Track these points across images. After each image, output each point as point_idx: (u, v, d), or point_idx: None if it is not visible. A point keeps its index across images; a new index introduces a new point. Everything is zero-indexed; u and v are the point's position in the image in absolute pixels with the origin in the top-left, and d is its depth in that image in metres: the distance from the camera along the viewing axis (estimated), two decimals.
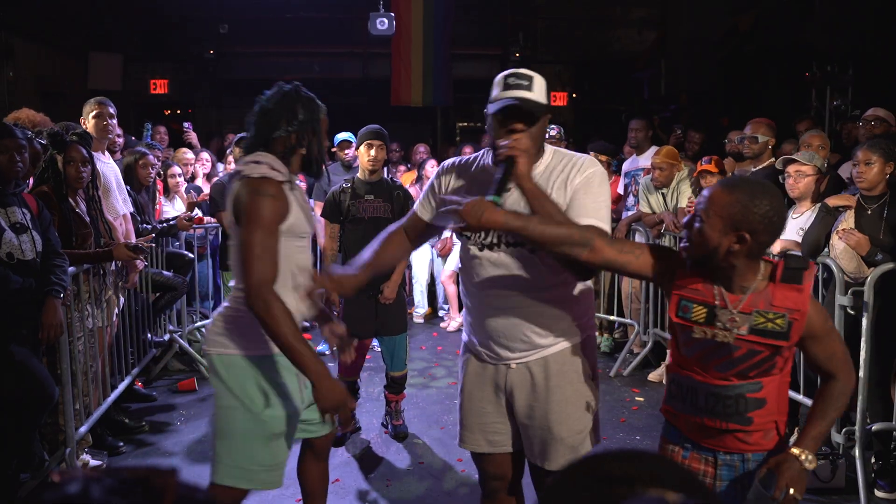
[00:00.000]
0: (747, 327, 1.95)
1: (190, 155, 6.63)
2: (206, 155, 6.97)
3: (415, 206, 2.55)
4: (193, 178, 6.63)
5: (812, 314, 1.95)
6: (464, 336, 2.53)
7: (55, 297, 3.32)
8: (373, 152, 4.26)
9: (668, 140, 7.10)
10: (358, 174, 4.37)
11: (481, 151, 2.45)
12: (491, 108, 2.21)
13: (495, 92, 2.23)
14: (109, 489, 0.70)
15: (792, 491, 1.92)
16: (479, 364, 2.46)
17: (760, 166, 4.75)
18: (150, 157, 5.27)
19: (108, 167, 4.55)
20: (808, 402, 3.93)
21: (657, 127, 8.21)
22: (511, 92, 2.18)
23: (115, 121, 4.55)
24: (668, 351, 2.16)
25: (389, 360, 4.45)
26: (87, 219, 3.95)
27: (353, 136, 6.23)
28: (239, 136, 5.32)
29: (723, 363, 2.00)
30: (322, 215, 4.46)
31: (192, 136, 7.31)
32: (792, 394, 4.14)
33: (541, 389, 2.35)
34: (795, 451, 1.97)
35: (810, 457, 1.96)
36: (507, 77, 2.23)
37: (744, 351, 1.96)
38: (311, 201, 7.57)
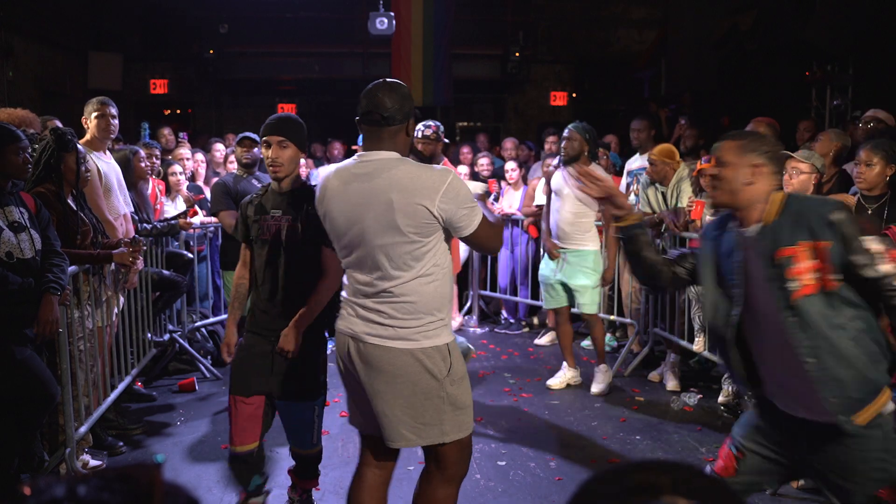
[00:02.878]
0: None
1: (188, 153, 6.63)
2: (200, 156, 6.93)
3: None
4: (195, 177, 6.63)
5: None
6: (450, 336, 2.57)
7: (52, 294, 3.32)
8: (270, 153, 3.11)
9: (670, 134, 7.11)
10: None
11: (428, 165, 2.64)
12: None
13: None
14: (96, 488, 0.70)
15: None
16: None
17: None
18: (141, 152, 5.28)
19: (110, 167, 4.55)
20: None
21: (664, 121, 8.21)
22: None
23: (116, 121, 4.55)
24: None
25: (291, 432, 3.28)
26: (84, 216, 3.95)
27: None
28: (240, 136, 5.30)
29: None
30: (234, 232, 3.55)
31: (186, 147, 7.32)
32: None
33: None
34: None
35: None
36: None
37: None
38: None
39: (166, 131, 7.48)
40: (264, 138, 3.12)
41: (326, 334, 3.22)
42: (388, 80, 2.57)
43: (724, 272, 2.46)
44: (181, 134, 7.54)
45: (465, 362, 2.65)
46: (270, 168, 3.11)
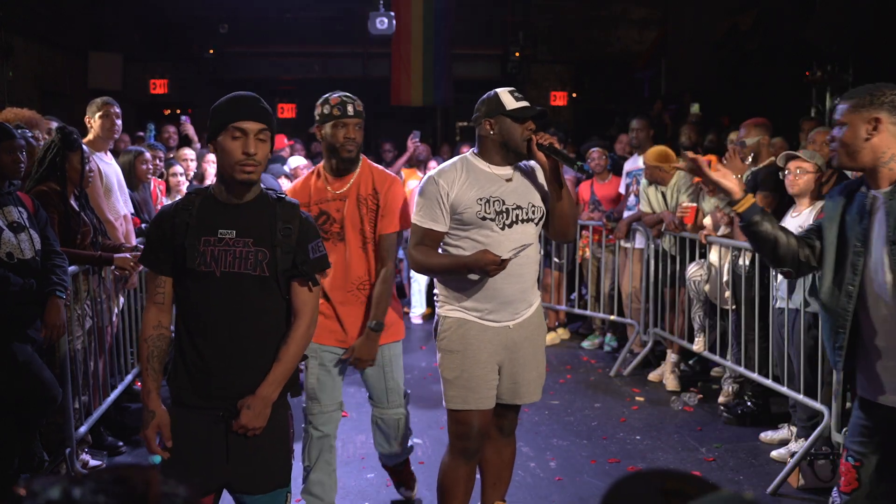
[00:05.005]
0: None
1: (191, 153, 6.62)
2: (211, 156, 6.87)
3: (427, 223, 2.85)
4: (203, 178, 6.54)
5: None
6: (451, 312, 2.88)
7: (58, 297, 3.32)
8: (243, 146, 2.20)
9: (674, 134, 7.10)
10: (212, 184, 2.39)
11: (458, 157, 2.98)
12: (525, 112, 2.81)
13: (511, 101, 2.84)
14: (92, 490, 0.70)
15: None
16: (481, 330, 2.85)
17: (762, 164, 4.74)
18: (147, 154, 5.28)
19: (111, 168, 4.56)
20: (793, 394, 3.97)
21: (669, 122, 8.21)
22: (526, 102, 2.86)
23: (120, 121, 4.57)
24: None
25: None
26: (85, 216, 3.95)
27: None
28: None
29: None
30: (141, 259, 2.45)
31: (190, 129, 7.31)
32: (777, 386, 4.16)
33: (536, 338, 2.97)
34: None
35: None
36: (513, 91, 2.89)
37: None
38: None
39: (171, 129, 7.48)
40: (236, 124, 2.19)
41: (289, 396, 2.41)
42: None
43: (848, 238, 2.30)
44: (183, 117, 7.53)
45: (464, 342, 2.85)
46: (242, 167, 2.20)
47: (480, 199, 2.81)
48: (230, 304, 2.24)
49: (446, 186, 2.83)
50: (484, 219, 2.80)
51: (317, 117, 3.13)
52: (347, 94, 3.15)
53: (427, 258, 2.86)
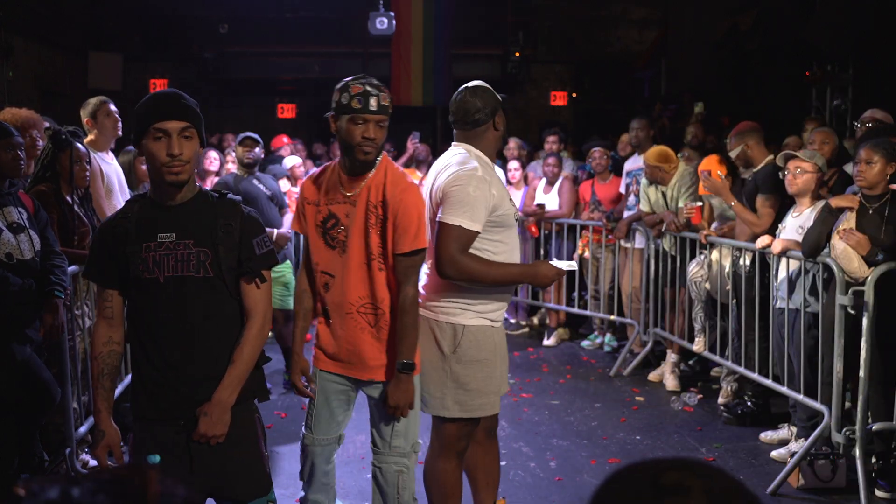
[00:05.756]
0: None
1: None
2: (213, 153, 6.84)
3: (475, 226, 2.62)
4: (205, 175, 6.52)
5: None
6: (472, 321, 2.74)
7: (58, 297, 3.32)
8: (166, 146, 2.14)
9: (673, 134, 7.10)
10: (148, 187, 2.34)
11: (465, 154, 2.77)
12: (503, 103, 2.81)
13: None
14: (90, 490, 0.70)
15: None
16: (498, 333, 2.84)
17: (761, 165, 4.73)
18: None
19: (112, 167, 4.56)
20: (793, 394, 3.97)
21: (668, 123, 8.21)
22: None
23: (121, 122, 4.59)
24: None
25: None
26: (85, 217, 3.95)
27: None
28: (242, 136, 5.29)
29: None
30: (86, 273, 2.54)
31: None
32: (777, 386, 4.16)
33: None
34: None
35: None
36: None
37: None
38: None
39: None
40: (157, 125, 2.11)
41: (257, 401, 2.37)
42: (468, 85, 2.79)
43: None
44: None
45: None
46: (169, 169, 2.12)
47: (510, 199, 2.80)
48: (178, 310, 2.18)
49: (492, 187, 2.66)
50: (517, 219, 2.84)
51: (333, 104, 2.57)
52: (374, 81, 2.57)
53: (486, 268, 2.62)
